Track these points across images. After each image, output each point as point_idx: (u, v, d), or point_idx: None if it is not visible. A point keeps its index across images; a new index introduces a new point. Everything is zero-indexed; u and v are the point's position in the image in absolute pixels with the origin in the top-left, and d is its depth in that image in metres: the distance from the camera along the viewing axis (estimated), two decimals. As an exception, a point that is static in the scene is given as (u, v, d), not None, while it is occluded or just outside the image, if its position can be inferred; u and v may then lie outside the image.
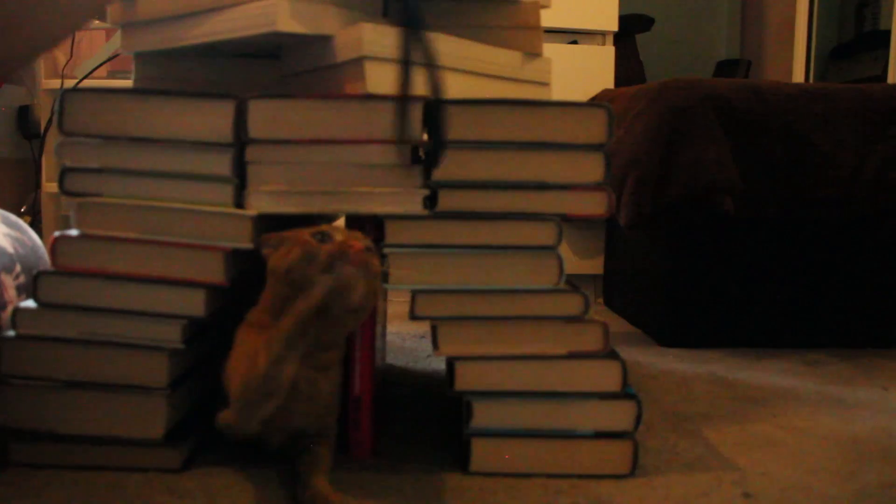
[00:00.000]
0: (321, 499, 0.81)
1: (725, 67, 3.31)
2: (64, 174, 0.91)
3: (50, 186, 2.21)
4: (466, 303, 0.93)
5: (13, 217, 1.14)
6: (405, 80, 0.86)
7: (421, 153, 0.92)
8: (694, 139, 1.56)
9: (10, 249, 1.04)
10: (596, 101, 1.18)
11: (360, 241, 0.82)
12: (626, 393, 0.92)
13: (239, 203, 0.90)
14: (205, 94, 0.91)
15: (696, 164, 1.55)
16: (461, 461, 0.93)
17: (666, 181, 1.56)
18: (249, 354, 0.82)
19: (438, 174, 0.90)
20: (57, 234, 0.91)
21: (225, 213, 0.90)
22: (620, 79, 2.21)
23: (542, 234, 0.93)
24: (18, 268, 1.02)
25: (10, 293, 0.99)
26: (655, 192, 1.56)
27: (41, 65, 2.21)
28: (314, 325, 0.80)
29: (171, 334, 0.89)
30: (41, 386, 0.90)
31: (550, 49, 1.15)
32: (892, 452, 1.03)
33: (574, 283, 0.99)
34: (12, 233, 1.08)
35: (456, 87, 0.98)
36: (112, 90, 0.91)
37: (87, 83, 1.68)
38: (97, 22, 2.23)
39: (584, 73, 2.13)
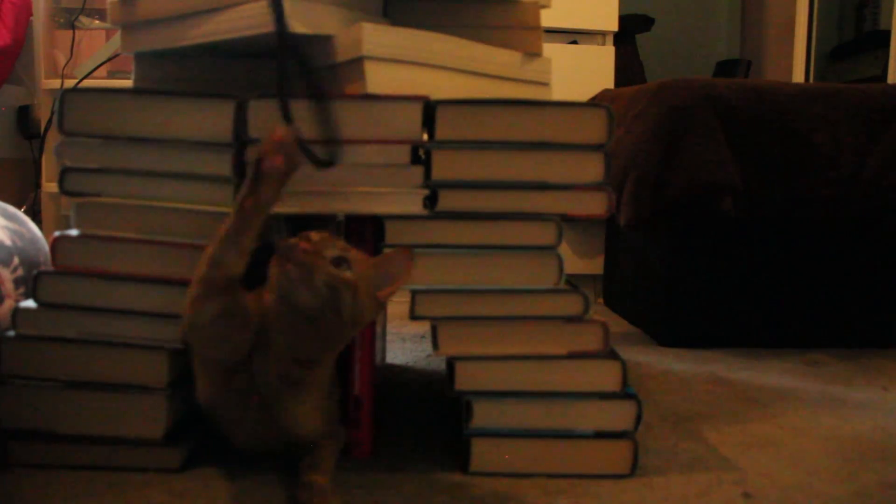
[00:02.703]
0: (319, 499, 0.81)
1: (725, 67, 3.30)
2: (64, 174, 0.91)
3: (50, 186, 2.21)
4: (466, 303, 0.93)
5: (11, 209, 1.12)
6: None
7: (421, 153, 0.92)
8: (694, 139, 1.56)
9: (8, 242, 1.03)
10: (596, 101, 1.18)
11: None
12: (626, 393, 0.92)
13: (239, 203, 0.90)
14: (205, 94, 0.91)
15: (696, 164, 1.55)
16: (461, 461, 0.93)
17: (666, 181, 1.56)
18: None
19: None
20: (57, 234, 0.91)
21: (225, 213, 0.89)
22: (620, 79, 2.21)
23: (542, 234, 0.93)
24: (16, 260, 1.01)
25: (8, 286, 0.98)
26: (655, 192, 1.56)
27: (41, 65, 2.21)
28: (259, 223, 0.81)
29: (171, 334, 0.89)
30: (41, 386, 0.90)
31: (550, 49, 1.15)
32: (892, 452, 1.03)
33: (574, 283, 0.99)
34: (10, 225, 1.07)
35: (456, 87, 0.98)
36: (112, 90, 0.91)
37: (87, 83, 1.68)
38: (97, 22, 2.24)
39: (584, 73, 2.12)
